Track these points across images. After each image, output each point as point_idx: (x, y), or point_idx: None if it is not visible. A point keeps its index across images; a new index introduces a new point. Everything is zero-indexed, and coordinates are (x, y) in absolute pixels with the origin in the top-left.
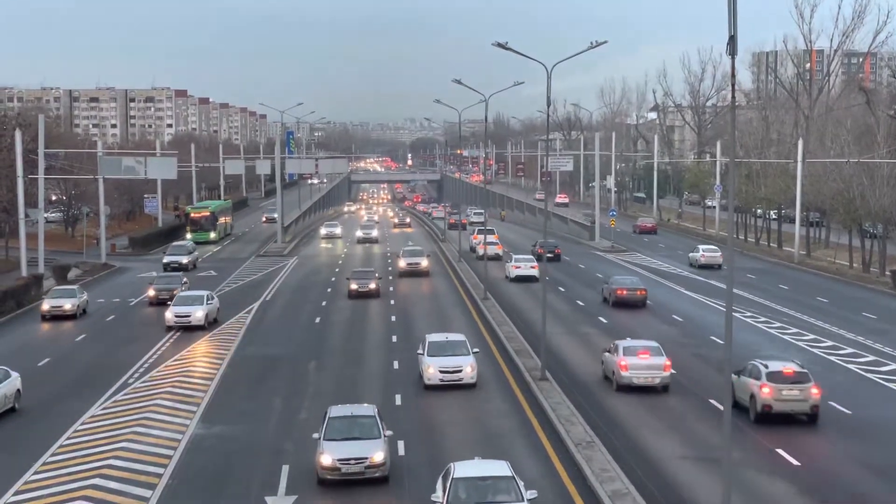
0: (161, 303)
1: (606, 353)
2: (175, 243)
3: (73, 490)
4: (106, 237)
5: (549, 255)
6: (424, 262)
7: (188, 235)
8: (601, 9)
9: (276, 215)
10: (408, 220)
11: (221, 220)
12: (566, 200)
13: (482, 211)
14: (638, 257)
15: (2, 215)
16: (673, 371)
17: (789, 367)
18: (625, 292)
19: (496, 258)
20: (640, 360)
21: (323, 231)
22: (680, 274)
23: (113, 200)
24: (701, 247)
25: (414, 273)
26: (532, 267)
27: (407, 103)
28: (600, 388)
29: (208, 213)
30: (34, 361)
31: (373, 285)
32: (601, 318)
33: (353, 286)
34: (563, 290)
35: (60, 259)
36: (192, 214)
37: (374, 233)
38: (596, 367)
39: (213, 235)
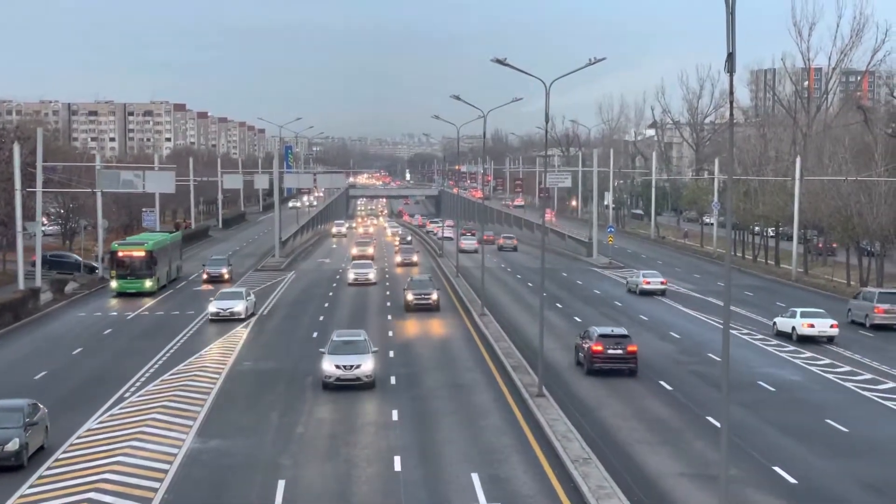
0: None
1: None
2: None
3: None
4: (103, 251)
5: (470, 233)
6: None
7: (112, 283)
8: (601, 25)
9: (223, 270)
10: (432, 293)
11: (164, 261)
12: (523, 203)
13: (439, 218)
14: (636, 274)
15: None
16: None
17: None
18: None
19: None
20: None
21: (212, 308)
22: (678, 291)
23: (111, 214)
24: (503, 234)
25: None
26: (442, 227)
27: (405, 119)
28: (597, 404)
29: (144, 253)
30: (31, 375)
31: None
32: None
33: None
34: (560, 306)
35: (58, 272)
36: (120, 253)
37: (367, 366)
38: (593, 384)
39: (148, 284)
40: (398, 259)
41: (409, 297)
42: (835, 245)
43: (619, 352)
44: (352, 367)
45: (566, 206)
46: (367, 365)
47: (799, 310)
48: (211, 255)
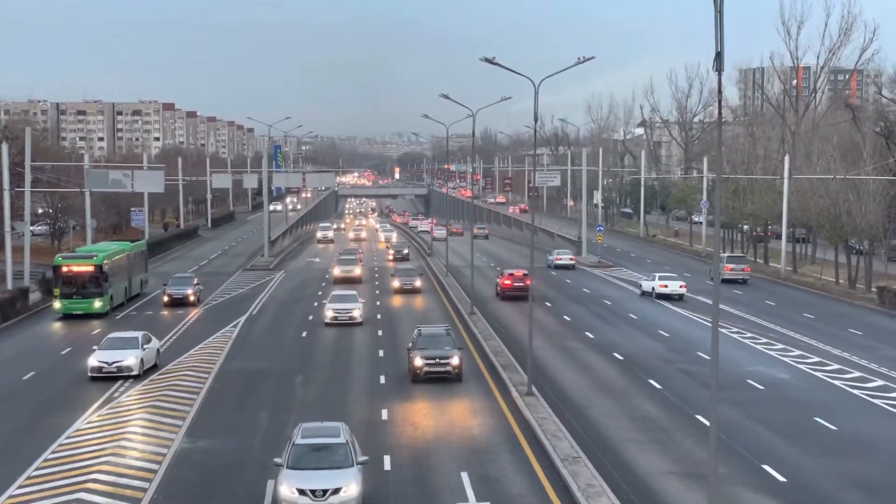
0: None
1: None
2: None
3: None
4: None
5: (444, 226)
6: None
7: (55, 304)
8: (590, 24)
9: (188, 291)
10: (451, 356)
11: (120, 276)
12: (504, 201)
13: (420, 216)
14: (625, 273)
15: None
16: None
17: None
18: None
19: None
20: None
21: (92, 361)
22: None
23: (100, 213)
24: (477, 226)
25: None
26: (422, 222)
27: (395, 118)
28: (587, 403)
29: (92, 268)
30: (19, 375)
31: None
32: (588, 334)
33: None
34: (549, 304)
35: (46, 272)
36: (64, 268)
37: (350, 491)
38: (581, 382)
39: (98, 305)
40: (395, 284)
41: (418, 361)
42: (758, 234)
43: (521, 284)
44: (326, 492)
45: (556, 205)
46: (349, 489)
47: (657, 274)
48: (204, 252)
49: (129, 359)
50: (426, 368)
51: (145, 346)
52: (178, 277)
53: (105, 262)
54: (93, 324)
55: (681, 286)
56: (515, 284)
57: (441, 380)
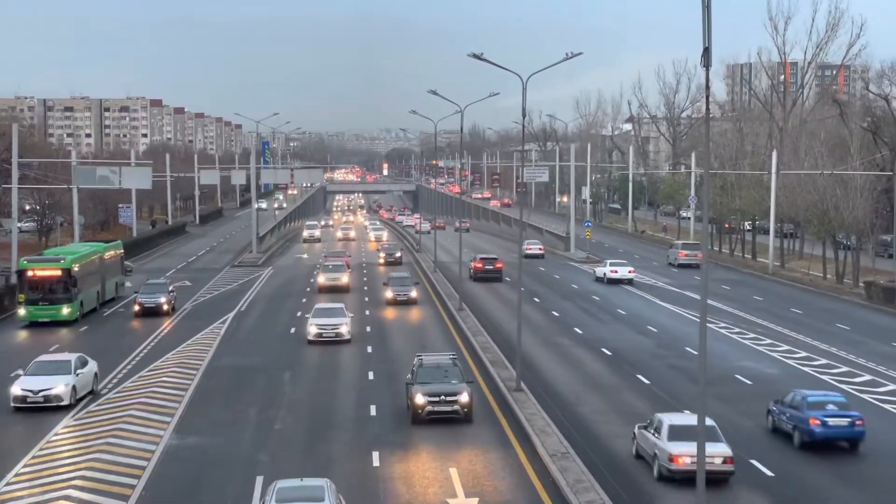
0: None
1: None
2: None
3: (45, 501)
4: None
5: (428, 220)
6: None
7: (20, 311)
8: (579, 21)
9: (161, 300)
10: (460, 393)
11: (92, 280)
12: (489, 196)
13: (406, 212)
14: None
15: None
16: None
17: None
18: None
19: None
20: None
21: (15, 389)
22: (654, 285)
23: (87, 210)
24: (460, 220)
25: None
26: (407, 218)
27: (383, 114)
28: (576, 399)
29: (59, 272)
30: (6, 373)
31: None
32: (576, 329)
33: None
34: (538, 300)
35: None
36: (30, 273)
37: None
38: (570, 377)
39: (66, 311)
40: (388, 295)
41: (420, 399)
42: (728, 225)
43: (491, 267)
44: None
45: (544, 201)
46: None
47: (609, 261)
48: (192, 248)
49: (59, 387)
50: (429, 408)
51: (79, 371)
52: (150, 284)
53: (74, 265)
54: (82, 320)
55: (629, 271)
56: (486, 267)
57: (449, 419)
